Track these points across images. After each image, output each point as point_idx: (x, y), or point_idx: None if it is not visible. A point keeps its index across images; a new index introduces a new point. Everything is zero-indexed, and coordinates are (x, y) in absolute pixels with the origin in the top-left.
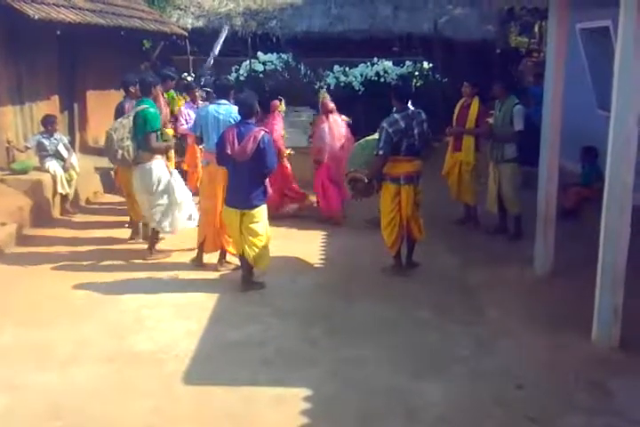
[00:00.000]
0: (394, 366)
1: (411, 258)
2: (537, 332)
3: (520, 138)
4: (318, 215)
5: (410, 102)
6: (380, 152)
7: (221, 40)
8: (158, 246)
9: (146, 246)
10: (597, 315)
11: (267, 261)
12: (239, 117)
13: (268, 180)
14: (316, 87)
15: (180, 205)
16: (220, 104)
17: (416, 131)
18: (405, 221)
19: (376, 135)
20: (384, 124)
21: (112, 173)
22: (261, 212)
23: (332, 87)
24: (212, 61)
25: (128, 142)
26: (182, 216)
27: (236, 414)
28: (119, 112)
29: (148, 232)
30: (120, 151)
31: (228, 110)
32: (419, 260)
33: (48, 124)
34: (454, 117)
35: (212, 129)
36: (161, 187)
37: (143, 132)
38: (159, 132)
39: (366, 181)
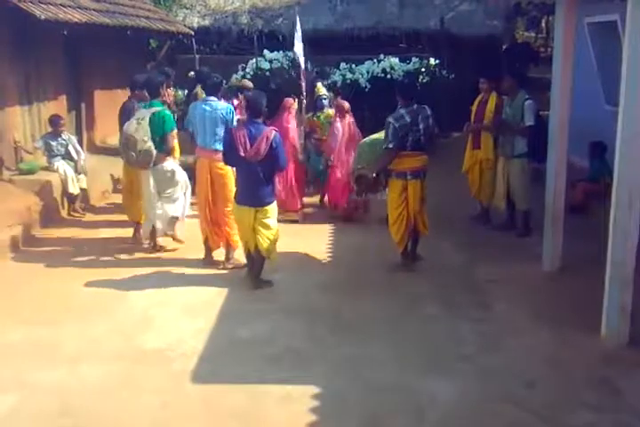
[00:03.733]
0: (401, 364)
1: (415, 252)
2: (545, 329)
3: (531, 133)
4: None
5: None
6: (390, 145)
7: (299, 33)
8: (160, 242)
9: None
10: (606, 312)
11: (276, 253)
12: (226, 112)
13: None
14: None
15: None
16: (207, 101)
17: (421, 126)
18: (413, 216)
19: (379, 134)
20: (390, 119)
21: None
22: (273, 208)
23: (338, 84)
24: (304, 59)
25: (150, 143)
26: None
27: (243, 412)
28: (128, 113)
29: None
30: (144, 153)
31: (213, 106)
32: (426, 257)
33: (54, 124)
34: (472, 114)
35: (200, 125)
36: (179, 186)
37: (161, 134)
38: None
39: (374, 174)
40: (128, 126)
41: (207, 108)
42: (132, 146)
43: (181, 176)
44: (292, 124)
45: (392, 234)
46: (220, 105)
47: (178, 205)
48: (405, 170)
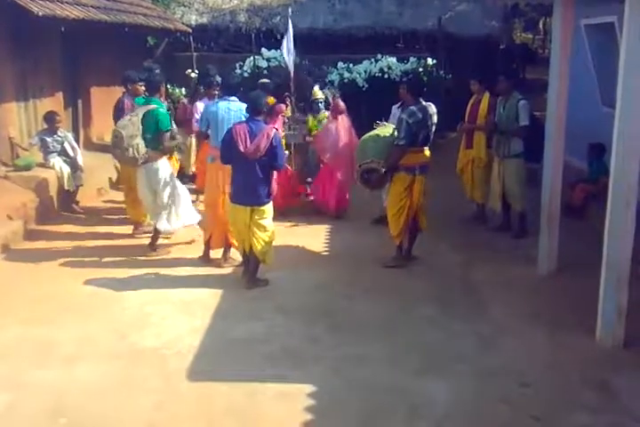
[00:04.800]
0: (397, 364)
1: (410, 251)
2: (541, 330)
3: (525, 133)
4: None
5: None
6: (402, 142)
7: (290, 36)
8: (160, 242)
9: (147, 242)
10: (601, 313)
11: (272, 256)
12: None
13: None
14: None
15: (180, 203)
16: (230, 101)
17: (430, 122)
18: (415, 210)
19: (379, 130)
20: (403, 116)
21: (115, 167)
22: (269, 208)
23: (335, 84)
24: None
25: (137, 140)
26: (182, 214)
27: (239, 411)
28: (118, 109)
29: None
30: (130, 149)
31: (239, 107)
32: (423, 257)
33: (50, 121)
34: (466, 114)
35: (221, 126)
36: (165, 185)
37: (154, 132)
38: (170, 132)
39: (383, 171)
40: (120, 122)
41: (231, 107)
42: (119, 142)
43: (171, 179)
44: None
45: (390, 227)
46: (243, 106)
47: (173, 206)
48: (415, 165)
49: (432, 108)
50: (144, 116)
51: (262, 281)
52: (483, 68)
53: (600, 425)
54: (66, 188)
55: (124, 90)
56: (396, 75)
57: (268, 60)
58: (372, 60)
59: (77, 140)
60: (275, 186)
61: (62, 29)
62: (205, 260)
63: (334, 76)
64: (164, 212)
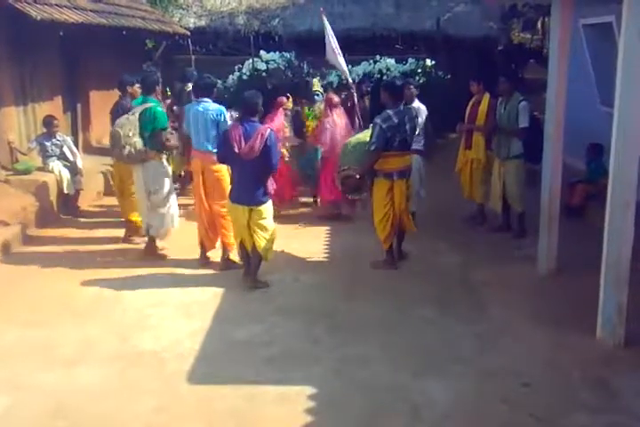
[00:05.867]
0: (397, 365)
1: (400, 248)
2: (541, 330)
3: (525, 135)
4: (323, 212)
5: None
6: (373, 147)
7: (330, 32)
8: (157, 244)
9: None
10: (602, 313)
11: (272, 252)
12: (217, 113)
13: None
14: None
15: (174, 203)
16: (200, 102)
17: (407, 126)
18: (399, 214)
19: (363, 134)
20: (377, 120)
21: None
22: (268, 207)
23: (334, 85)
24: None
25: (135, 139)
26: (174, 214)
27: (239, 413)
28: (116, 112)
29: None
30: (128, 147)
31: (205, 107)
32: (422, 257)
33: (48, 125)
34: (466, 115)
35: (193, 126)
36: (164, 186)
37: (151, 130)
38: (167, 131)
39: (357, 176)
40: (118, 121)
41: (200, 109)
42: (116, 141)
43: (168, 177)
44: (274, 122)
45: (378, 232)
46: (212, 106)
47: (166, 207)
48: (392, 170)
49: (411, 113)
50: (141, 114)
51: (262, 283)
52: (482, 68)
53: (600, 425)
54: (65, 191)
55: (120, 93)
56: (395, 76)
57: (267, 62)
58: (371, 61)
59: (77, 144)
60: (272, 187)
61: (61, 33)
62: (204, 262)
63: (333, 78)
64: (160, 211)
